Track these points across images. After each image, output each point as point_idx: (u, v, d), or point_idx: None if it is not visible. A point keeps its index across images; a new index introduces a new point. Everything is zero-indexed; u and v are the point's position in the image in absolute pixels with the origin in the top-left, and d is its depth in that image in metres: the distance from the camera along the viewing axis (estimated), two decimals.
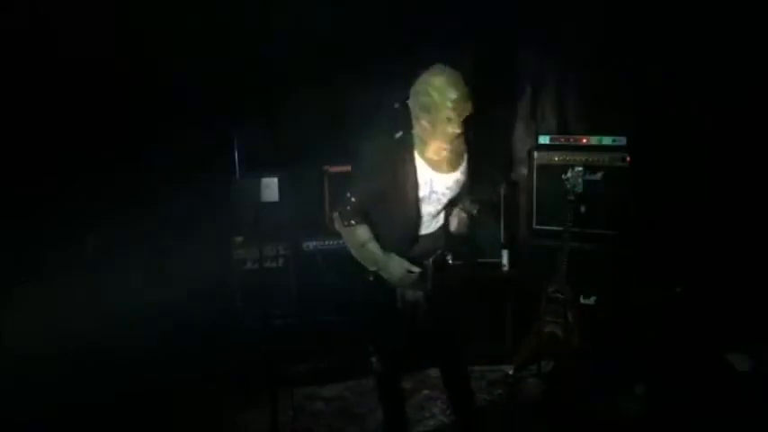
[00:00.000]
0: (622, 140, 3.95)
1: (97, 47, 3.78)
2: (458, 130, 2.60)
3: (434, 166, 2.71)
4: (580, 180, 3.66)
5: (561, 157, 4.01)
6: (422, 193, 2.72)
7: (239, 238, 3.99)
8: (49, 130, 3.69)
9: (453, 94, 2.55)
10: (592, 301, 3.94)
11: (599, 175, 3.92)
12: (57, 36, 3.68)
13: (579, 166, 3.72)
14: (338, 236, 2.86)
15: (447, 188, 2.76)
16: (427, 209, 2.77)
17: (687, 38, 3.89)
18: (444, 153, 2.69)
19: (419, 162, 2.70)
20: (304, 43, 4.13)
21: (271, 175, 4.03)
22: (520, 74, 4.42)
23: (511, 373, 3.82)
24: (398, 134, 2.69)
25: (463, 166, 2.79)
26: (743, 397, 3.28)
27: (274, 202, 4.01)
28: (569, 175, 3.69)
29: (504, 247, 4.05)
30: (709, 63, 3.86)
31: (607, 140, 3.99)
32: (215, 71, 4.02)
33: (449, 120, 2.57)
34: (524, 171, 4.33)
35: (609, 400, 3.48)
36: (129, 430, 3.40)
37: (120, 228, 3.85)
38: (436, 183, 2.73)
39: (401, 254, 2.74)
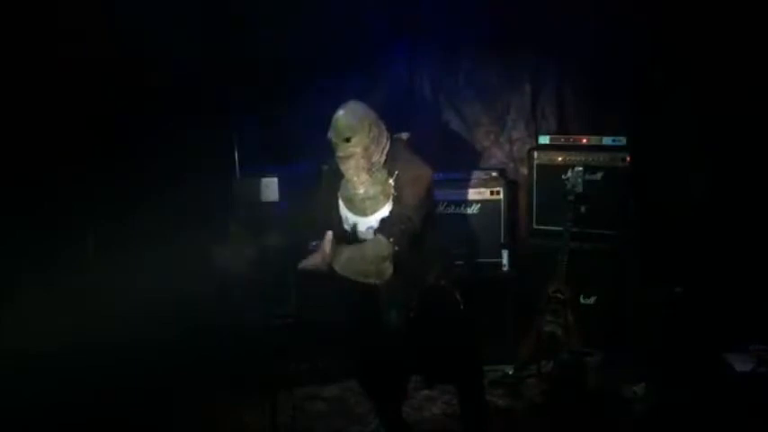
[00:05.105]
0: (622, 140, 3.95)
1: (97, 46, 3.78)
2: (348, 173, 2.60)
3: (353, 209, 2.68)
4: (580, 180, 3.66)
5: (561, 157, 4.01)
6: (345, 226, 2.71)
7: (239, 237, 3.99)
8: (49, 130, 3.69)
9: (333, 135, 2.61)
10: (592, 301, 3.94)
11: (599, 175, 3.91)
12: (57, 35, 3.68)
13: (579, 166, 3.73)
14: None
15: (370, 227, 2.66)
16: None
17: (687, 37, 3.89)
18: (353, 192, 2.65)
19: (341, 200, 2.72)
20: (305, 42, 4.14)
21: (271, 174, 4.03)
22: (520, 74, 4.42)
23: (511, 373, 3.81)
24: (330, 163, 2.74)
25: (385, 210, 2.65)
26: (743, 397, 3.28)
27: (274, 202, 4.00)
28: (569, 175, 3.70)
29: (504, 247, 4.05)
30: (710, 62, 3.86)
31: (607, 140, 3.99)
32: (215, 71, 4.02)
33: (338, 160, 2.61)
34: (524, 171, 4.32)
35: (609, 399, 3.48)
36: (130, 430, 3.40)
37: (120, 227, 3.85)
38: (360, 225, 2.68)
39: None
